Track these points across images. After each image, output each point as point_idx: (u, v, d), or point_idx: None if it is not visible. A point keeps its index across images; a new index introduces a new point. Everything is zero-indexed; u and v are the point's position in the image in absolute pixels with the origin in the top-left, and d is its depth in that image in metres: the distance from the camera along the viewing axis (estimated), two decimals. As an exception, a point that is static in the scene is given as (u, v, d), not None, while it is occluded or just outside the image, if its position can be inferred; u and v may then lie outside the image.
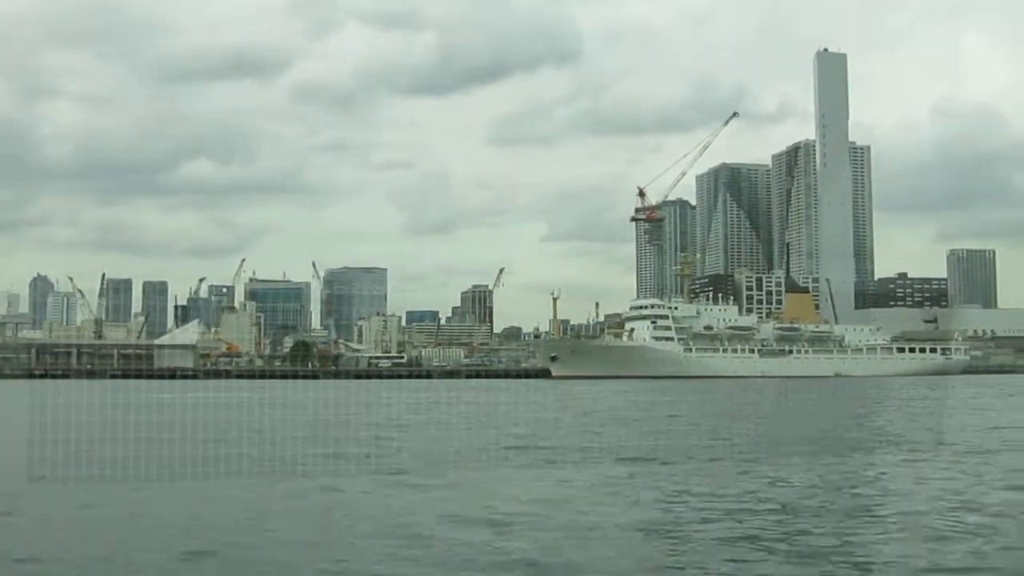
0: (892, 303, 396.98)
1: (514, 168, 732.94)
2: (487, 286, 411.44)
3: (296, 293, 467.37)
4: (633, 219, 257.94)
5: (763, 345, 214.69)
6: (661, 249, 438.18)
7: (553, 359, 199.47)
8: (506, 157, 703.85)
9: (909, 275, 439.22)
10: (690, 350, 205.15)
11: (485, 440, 40.83)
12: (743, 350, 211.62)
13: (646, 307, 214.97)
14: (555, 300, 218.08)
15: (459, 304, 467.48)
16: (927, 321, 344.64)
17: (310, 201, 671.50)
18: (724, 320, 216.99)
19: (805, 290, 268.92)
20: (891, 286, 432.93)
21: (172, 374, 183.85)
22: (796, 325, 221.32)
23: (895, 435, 47.99)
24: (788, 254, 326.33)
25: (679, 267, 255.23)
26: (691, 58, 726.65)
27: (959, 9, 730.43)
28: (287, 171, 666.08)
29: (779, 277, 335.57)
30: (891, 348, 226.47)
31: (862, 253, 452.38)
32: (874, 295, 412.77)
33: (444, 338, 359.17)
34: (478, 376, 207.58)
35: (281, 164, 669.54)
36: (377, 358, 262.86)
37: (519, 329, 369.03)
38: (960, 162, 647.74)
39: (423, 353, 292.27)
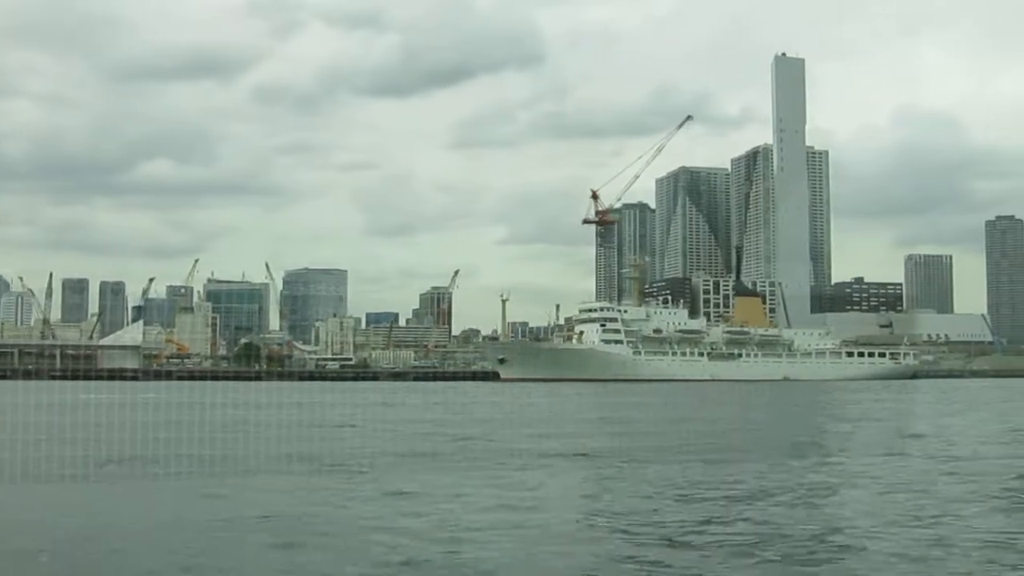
0: (848, 307, 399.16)
1: (476, 171, 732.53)
2: (446, 288, 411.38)
3: (255, 294, 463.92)
4: (586, 222, 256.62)
5: (712, 349, 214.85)
6: (620, 252, 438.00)
7: (501, 361, 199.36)
8: (468, 159, 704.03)
9: (866, 280, 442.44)
10: (639, 353, 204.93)
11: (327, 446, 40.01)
12: (692, 353, 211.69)
13: (595, 310, 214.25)
14: (504, 302, 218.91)
15: (419, 306, 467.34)
16: (882, 325, 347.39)
17: (271, 202, 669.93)
18: (674, 323, 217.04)
19: (755, 294, 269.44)
20: (847, 290, 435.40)
21: (114, 375, 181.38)
22: (745, 329, 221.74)
23: (783, 439, 47.52)
24: (739, 258, 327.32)
25: (629, 270, 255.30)
26: (654, 62, 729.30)
27: (920, 19, 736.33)
28: (248, 172, 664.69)
29: (733, 281, 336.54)
30: (840, 352, 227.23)
31: (819, 257, 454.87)
32: (831, 299, 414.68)
33: (402, 340, 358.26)
34: (426, 378, 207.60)
35: (242, 165, 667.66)
36: (325, 360, 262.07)
37: (477, 331, 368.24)
38: (920, 169, 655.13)
39: (372, 355, 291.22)
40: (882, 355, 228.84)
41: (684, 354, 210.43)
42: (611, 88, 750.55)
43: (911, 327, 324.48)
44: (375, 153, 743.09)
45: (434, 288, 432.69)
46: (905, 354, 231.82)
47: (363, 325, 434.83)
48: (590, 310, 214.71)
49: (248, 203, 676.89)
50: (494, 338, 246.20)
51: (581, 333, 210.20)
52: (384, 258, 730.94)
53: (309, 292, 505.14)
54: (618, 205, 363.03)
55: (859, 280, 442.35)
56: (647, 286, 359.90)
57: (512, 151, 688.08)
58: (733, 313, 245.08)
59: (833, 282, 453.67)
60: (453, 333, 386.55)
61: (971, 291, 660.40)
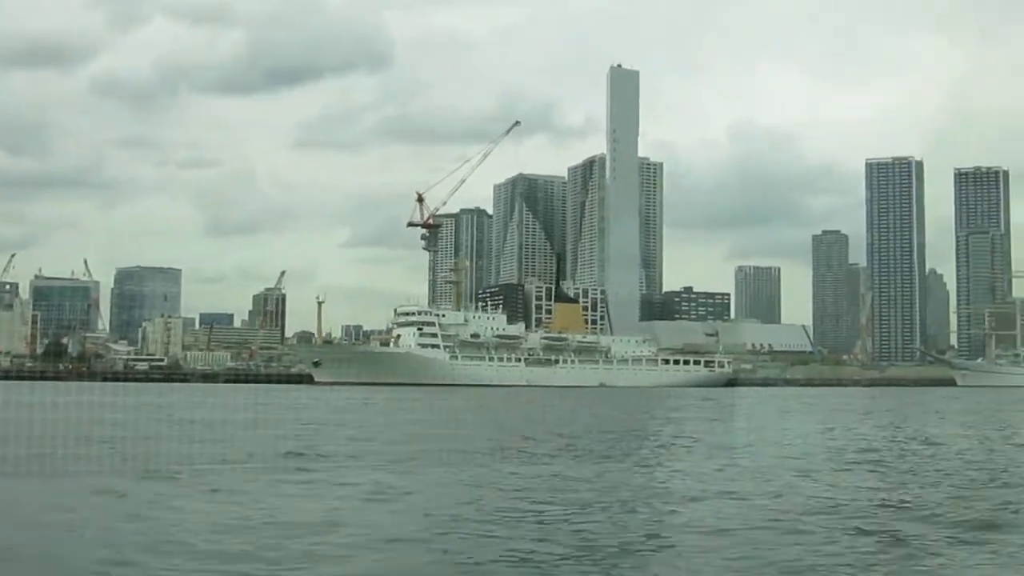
0: (677, 316, 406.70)
1: (319, 171, 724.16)
2: (279, 289, 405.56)
3: (83, 292, 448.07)
4: (411, 225, 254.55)
5: (530, 354, 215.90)
6: (456, 256, 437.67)
7: (316, 364, 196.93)
8: (312, 160, 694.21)
9: (695, 289, 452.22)
10: (456, 358, 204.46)
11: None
12: (509, 359, 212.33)
13: (413, 313, 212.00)
14: (320, 304, 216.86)
15: (253, 307, 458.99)
16: (708, 334, 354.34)
17: (108, 197, 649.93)
18: (492, 328, 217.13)
19: (574, 300, 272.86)
20: (677, 299, 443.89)
21: None
22: (563, 335, 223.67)
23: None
24: (559, 265, 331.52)
25: (449, 274, 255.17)
26: (504, 71, 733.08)
27: (763, 38, 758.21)
28: (84, 166, 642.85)
29: (566, 288, 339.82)
30: (656, 360, 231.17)
31: (652, 266, 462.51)
32: (660, 307, 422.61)
33: (231, 341, 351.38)
34: (238, 381, 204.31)
35: (78, 158, 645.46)
36: (135, 360, 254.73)
37: (311, 334, 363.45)
38: (754, 183, 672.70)
39: (188, 356, 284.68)
40: (698, 363, 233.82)
41: (501, 359, 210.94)
42: (459, 94, 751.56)
43: (736, 336, 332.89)
44: (217, 151, 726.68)
45: (267, 289, 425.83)
46: (721, 363, 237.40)
47: (196, 325, 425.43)
48: (408, 313, 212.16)
49: (84, 198, 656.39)
50: (330, 341, 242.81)
51: (399, 336, 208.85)
52: (224, 257, 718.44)
53: (142, 290, 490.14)
54: (455, 210, 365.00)
55: (688, 289, 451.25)
56: (480, 291, 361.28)
57: (357, 153, 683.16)
58: (552, 319, 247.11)
59: (664, 291, 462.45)
60: (287, 335, 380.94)
61: (797, 303, 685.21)
